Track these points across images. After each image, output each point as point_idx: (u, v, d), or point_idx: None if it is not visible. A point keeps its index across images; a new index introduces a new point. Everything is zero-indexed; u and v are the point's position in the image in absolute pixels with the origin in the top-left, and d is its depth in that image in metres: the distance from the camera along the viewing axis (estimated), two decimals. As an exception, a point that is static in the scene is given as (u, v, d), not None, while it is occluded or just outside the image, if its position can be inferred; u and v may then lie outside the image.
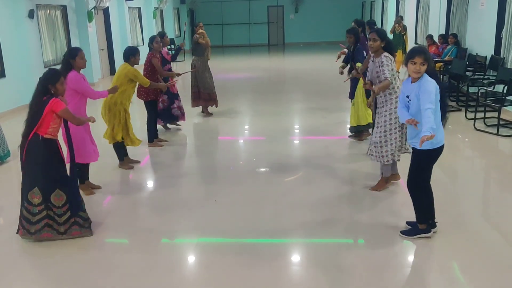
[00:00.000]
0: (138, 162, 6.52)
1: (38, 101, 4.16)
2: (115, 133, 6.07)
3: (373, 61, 5.19)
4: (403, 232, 4.26)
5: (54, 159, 4.26)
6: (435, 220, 4.25)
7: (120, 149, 6.28)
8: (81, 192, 5.31)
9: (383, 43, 5.08)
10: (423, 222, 4.17)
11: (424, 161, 4.04)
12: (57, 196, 4.26)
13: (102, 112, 6.03)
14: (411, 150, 4.28)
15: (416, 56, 3.84)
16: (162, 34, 8.00)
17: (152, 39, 7.36)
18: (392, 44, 5.33)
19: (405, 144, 5.10)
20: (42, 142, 4.18)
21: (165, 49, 7.94)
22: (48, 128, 4.18)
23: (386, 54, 5.07)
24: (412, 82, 3.96)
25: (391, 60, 5.05)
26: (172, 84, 7.53)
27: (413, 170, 4.11)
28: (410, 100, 3.97)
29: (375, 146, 5.12)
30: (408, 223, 4.37)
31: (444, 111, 3.99)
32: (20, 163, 4.29)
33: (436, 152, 3.99)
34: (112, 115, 6.00)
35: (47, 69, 4.41)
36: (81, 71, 5.16)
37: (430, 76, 3.89)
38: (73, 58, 5.00)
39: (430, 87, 3.80)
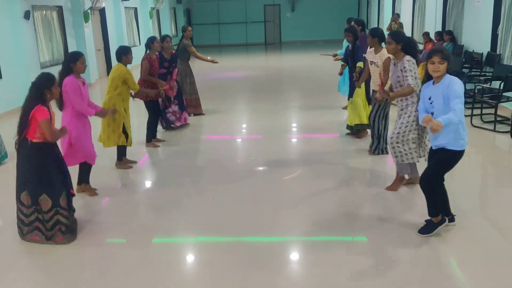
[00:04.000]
0: (135, 162, 6.51)
1: (29, 105, 4.12)
2: (117, 137, 6.04)
3: (394, 64, 5.09)
4: (420, 231, 4.21)
5: (43, 163, 4.21)
6: (454, 214, 4.29)
7: (121, 149, 6.28)
8: (83, 193, 5.34)
9: (399, 45, 4.96)
10: (436, 214, 4.16)
11: (450, 161, 4.03)
12: (44, 201, 4.24)
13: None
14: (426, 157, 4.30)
15: (434, 56, 3.84)
16: (163, 38, 7.77)
17: (152, 39, 7.23)
18: (413, 45, 5.10)
19: (424, 148, 5.05)
20: (31, 146, 4.17)
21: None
22: (35, 133, 4.14)
23: (408, 58, 4.92)
24: (434, 84, 3.92)
25: (413, 64, 4.91)
26: (162, 93, 7.04)
27: (435, 168, 4.07)
28: (432, 101, 3.93)
29: (392, 147, 5.06)
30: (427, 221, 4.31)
31: None
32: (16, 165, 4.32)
33: (461, 155, 4.00)
34: (112, 119, 5.97)
35: (42, 70, 4.40)
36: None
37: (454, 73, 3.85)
38: (74, 62, 4.95)
39: (459, 85, 3.78)
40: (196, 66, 9.29)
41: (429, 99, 3.97)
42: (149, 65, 7.09)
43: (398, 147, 5.02)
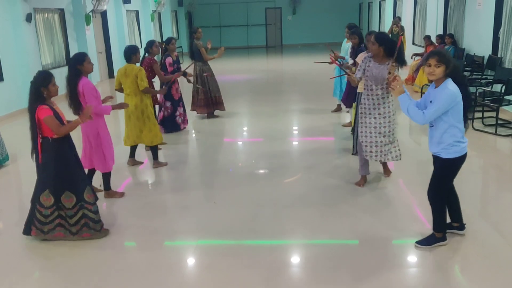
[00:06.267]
0: (141, 163, 6.55)
1: (31, 107, 4.17)
2: (153, 135, 6.19)
3: (373, 61, 5.15)
4: (419, 243, 4.10)
5: (64, 160, 4.26)
6: (464, 223, 4.24)
7: (155, 149, 6.43)
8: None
9: (381, 48, 5.02)
10: (440, 230, 4.06)
11: (449, 169, 3.94)
12: (67, 198, 4.28)
13: (128, 118, 6.12)
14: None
15: (430, 58, 3.75)
16: (169, 40, 7.89)
17: (151, 43, 7.27)
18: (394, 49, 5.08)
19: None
20: (53, 143, 4.21)
21: (169, 59, 7.75)
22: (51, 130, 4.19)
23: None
24: (435, 87, 3.83)
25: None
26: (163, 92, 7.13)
27: (438, 179, 3.98)
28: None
29: (380, 146, 5.22)
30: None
31: (465, 119, 3.88)
32: (36, 166, 4.33)
33: (461, 160, 3.89)
34: (142, 121, 6.10)
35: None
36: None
37: (457, 83, 3.73)
38: (81, 63, 4.94)
39: (446, 96, 3.66)
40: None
41: (430, 102, 3.89)
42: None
43: (387, 144, 5.25)
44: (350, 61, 7.31)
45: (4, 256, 4.28)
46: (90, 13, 13.74)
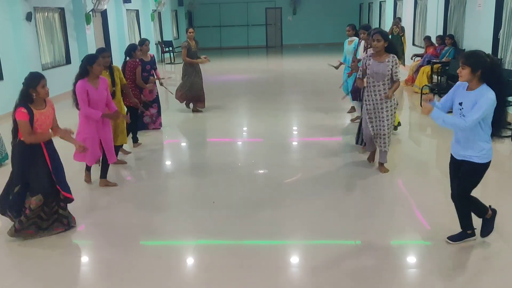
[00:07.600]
0: (124, 162, 6.57)
1: (14, 107, 4.29)
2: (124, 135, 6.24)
3: (372, 58, 5.60)
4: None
5: (22, 161, 4.30)
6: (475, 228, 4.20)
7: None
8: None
9: (386, 43, 5.49)
10: (470, 228, 4.11)
11: (480, 174, 3.94)
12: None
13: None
14: None
15: (460, 60, 3.79)
16: (143, 41, 7.74)
17: (134, 48, 7.27)
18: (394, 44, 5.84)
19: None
20: (17, 144, 4.30)
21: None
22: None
23: (394, 55, 5.56)
24: (467, 89, 3.80)
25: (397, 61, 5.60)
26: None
27: (467, 183, 3.97)
28: (462, 108, 3.79)
29: (385, 137, 5.68)
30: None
31: (499, 125, 3.88)
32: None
33: (488, 165, 3.92)
34: (121, 120, 6.09)
35: (44, 72, 4.44)
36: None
37: (495, 85, 3.69)
38: (91, 64, 5.05)
39: (489, 100, 3.62)
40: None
41: (460, 104, 3.83)
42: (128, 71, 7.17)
43: (389, 136, 5.71)
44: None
45: (4, 255, 4.28)
46: (90, 12, 13.72)
